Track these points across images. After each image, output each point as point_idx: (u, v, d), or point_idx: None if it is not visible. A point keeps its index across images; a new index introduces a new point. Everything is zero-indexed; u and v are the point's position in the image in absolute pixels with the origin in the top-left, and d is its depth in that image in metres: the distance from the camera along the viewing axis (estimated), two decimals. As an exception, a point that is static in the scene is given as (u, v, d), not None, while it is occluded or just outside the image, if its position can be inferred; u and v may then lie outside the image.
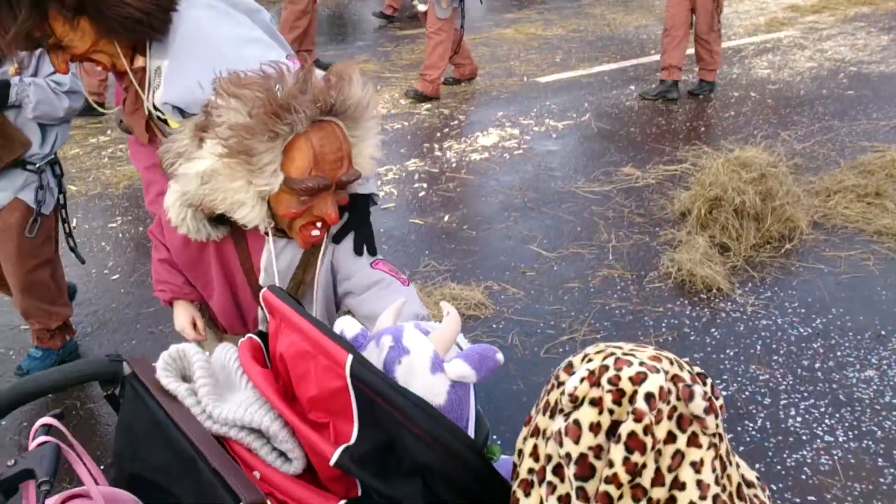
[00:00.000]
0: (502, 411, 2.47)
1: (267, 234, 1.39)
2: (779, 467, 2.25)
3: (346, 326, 1.04)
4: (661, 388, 0.86)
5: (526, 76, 6.19)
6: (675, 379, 0.89)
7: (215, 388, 0.91)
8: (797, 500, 2.13)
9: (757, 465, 2.25)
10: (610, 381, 0.87)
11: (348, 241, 1.48)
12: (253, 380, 0.91)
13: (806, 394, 2.54)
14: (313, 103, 1.24)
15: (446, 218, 3.82)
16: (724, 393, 2.54)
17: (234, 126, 1.21)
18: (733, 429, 2.39)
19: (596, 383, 0.88)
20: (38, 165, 2.36)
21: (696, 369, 0.96)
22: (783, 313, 2.98)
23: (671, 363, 0.91)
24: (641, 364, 0.89)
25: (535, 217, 3.82)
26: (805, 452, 2.29)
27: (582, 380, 0.88)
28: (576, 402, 0.88)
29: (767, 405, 2.49)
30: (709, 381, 0.93)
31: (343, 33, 8.05)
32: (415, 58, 6.73)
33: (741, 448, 2.31)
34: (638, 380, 0.87)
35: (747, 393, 2.55)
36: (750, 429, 2.39)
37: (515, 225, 3.74)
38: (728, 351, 2.78)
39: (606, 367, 0.89)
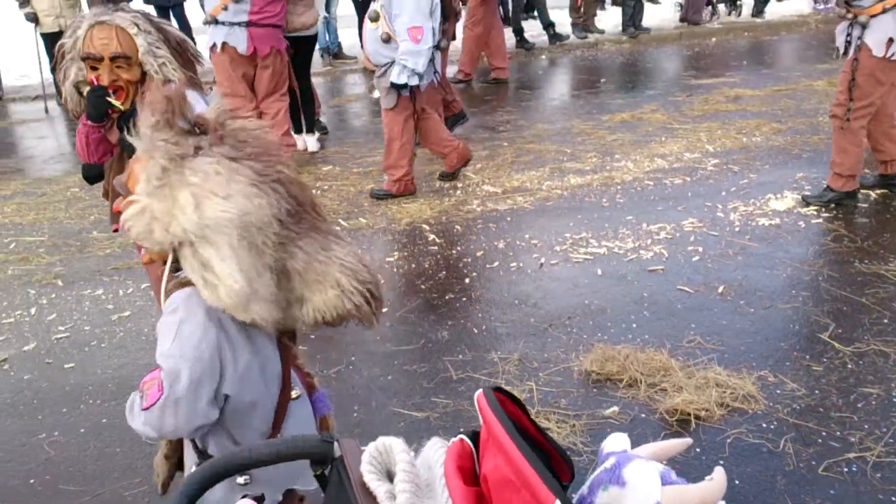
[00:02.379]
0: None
1: None
2: None
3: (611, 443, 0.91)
4: None
5: (836, 135, 5.49)
6: None
7: (416, 494, 0.85)
8: None
9: None
10: None
11: None
12: (453, 498, 0.83)
13: None
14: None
15: (721, 289, 3.48)
16: None
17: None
18: None
19: None
20: None
21: None
22: None
23: None
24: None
25: (830, 301, 3.31)
26: None
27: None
28: None
29: None
30: None
31: (634, 81, 7.90)
32: (707, 108, 6.35)
33: None
34: None
35: None
36: None
37: (804, 307, 3.28)
38: None
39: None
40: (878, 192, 4.45)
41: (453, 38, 8.28)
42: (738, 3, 10.45)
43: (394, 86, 4.46)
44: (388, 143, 4.75)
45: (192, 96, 1.84)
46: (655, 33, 9.89)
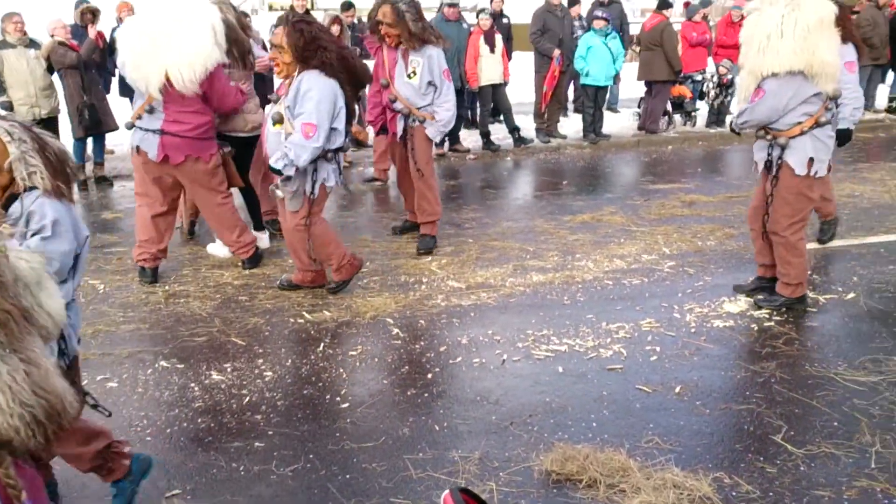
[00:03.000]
0: None
1: None
2: None
3: None
4: None
5: (785, 241, 5.75)
6: None
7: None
8: None
9: None
10: None
11: None
12: None
13: None
14: None
15: (678, 389, 3.55)
16: None
17: None
18: None
19: None
20: None
21: None
22: None
23: None
24: None
25: (783, 403, 3.40)
26: None
27: None
28: None
29: None
30: None
31: (595, 184, 8.21)
32: (664, 212, 6.62)
33: None
34: None
35: None
36: None
37: (758, 408, 3.36)
38: None
39: None
40: (826, 297, 4.64)
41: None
42: (693, 114, 11.06)
43: (272, 170, 4.43)
44: (298, 244, 4.68)
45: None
46: (615, 140, 10.37)
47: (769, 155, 4.24)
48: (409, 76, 5.40)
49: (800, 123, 4.08)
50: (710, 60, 11.09)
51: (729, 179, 8.11)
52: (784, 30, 3.92)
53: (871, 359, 3.78)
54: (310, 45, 4.30)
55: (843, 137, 4.86)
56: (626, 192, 7.62)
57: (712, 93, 10.78)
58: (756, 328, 4.22)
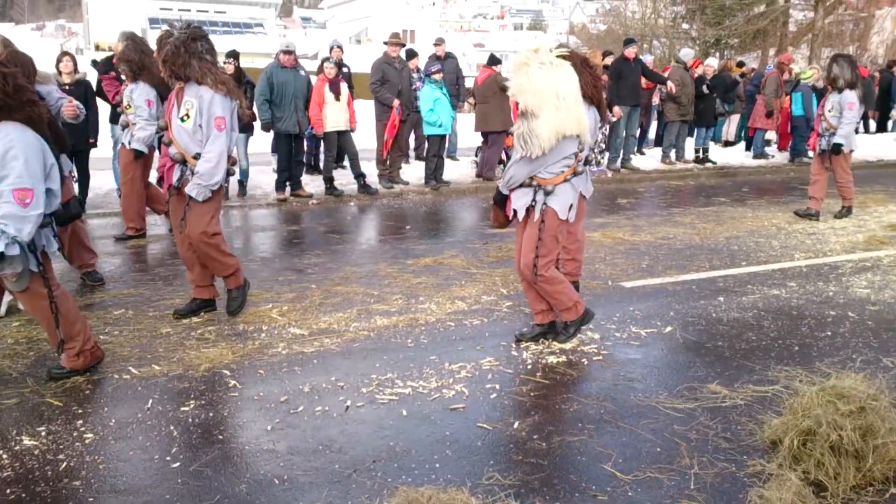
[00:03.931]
0: None
1: None
2: None
3: None
4: None
5: (611, 280, 6.18)
6: None
7: None
8: None
9: None
10: None
11: None
12: None
13: None
14: None
15: (516, 425, 3.67)
16: None
17: None
18: None
19: None
20: None
21: None
22: (894, 575, 2.59)
23: None
24: None
25: (611, 432, 3.61)
26: None
27: None
28: None
29: None
30: None
31: (436, 229, 8.41)
32: (501, 255, 6.89)
33: None
34: None
35: None
36: None
37: (590, 439, 3.54)
38: None
39: None
40: (646, 331, 5.01)
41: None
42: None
43: None
44: (46, 326, 4.00)
45: None
46: (455, 186, 10.75)
47: (533, 201, 4.48)
48: (181, 119, 4.77)
49: (563, 172, 4.45)
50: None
51: (560, 223, 8.60)
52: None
53: (687, 387, 4.11)
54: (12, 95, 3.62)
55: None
56: (466, 236, 7.88)
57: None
58: (586, 362, 4.47)
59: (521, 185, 4.49)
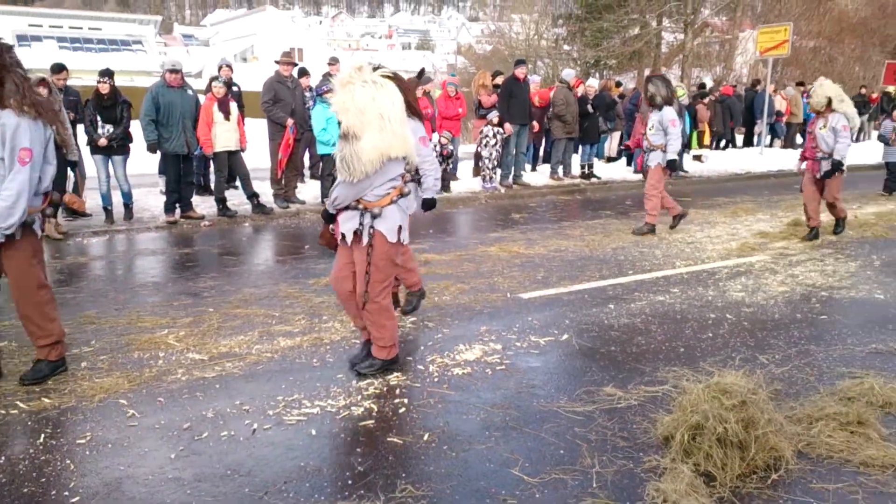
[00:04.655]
0: None
1: None
2: None
3: None
4: None
5: (509, 292, 6.38)
6: None
7: None
8: None
9: None
10: None
11: None
12: None
13: None
14: None
15: (426, 437, 3.73)
16: None
17: None
18: None
19: None
20: None
21: None
22: (776, 552, 2.83)
23: None
24: None
25: (517, 438, 3.74)
26: None
27: None
28: None
29: None
30: None
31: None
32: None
33: None
34: None
35: None
36: None
37: (497, 446, 3.65)
38: None
39: None
40: (544, 339, 5.21)
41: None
42: (422, 179, 11.85)
43: None
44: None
45: None
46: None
47: (360, 224, 4.32)
48: None
49: (389, 194, 4.34)
50: (434, 133, 12.04)
51: (458, 239, 8.79)
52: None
53: (585, 391, 4.31)
54: None
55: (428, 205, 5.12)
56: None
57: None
58: (490, 372, 4.60)
59: (347, 208, 4.35)
